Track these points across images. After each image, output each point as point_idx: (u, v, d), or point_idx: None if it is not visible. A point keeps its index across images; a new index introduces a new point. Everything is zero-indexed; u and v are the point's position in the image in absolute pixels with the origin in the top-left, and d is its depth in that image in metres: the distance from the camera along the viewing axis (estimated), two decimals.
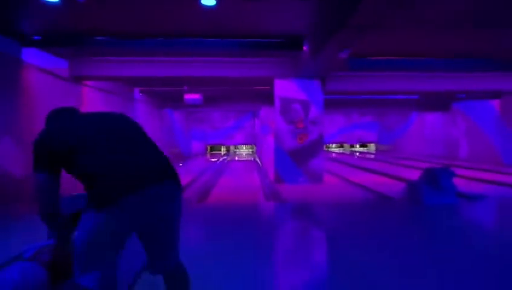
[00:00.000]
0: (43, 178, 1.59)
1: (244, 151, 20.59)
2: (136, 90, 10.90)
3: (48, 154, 1.60)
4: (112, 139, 1.61)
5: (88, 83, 8.03)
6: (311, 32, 5.98)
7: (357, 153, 20.46)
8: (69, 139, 1.59)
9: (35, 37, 5.93)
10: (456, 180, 5.86)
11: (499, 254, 3.38)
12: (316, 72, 7.55)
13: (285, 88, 8.11)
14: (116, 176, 1.49)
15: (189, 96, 11.52)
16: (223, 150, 20.78)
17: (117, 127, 1.69)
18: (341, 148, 22.18)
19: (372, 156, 17.87)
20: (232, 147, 20.85)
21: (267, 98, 10.68)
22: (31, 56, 6.08)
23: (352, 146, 22.44)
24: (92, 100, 8.20)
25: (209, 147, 20.69)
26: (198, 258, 3.09)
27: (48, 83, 6.62)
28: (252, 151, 20.05)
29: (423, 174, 5.97)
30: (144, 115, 11.40)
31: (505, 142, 12.07)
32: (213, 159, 16.43)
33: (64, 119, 1.73)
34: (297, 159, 8.07)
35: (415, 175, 6.68)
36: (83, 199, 2.27)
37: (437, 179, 5.68)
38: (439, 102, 14.33)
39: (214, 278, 2.78)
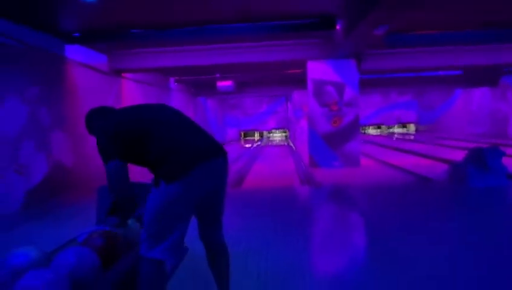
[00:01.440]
0: (116, 165, 1.71)
1: (277, 136, 20.54)
2: (171, 80, 11.17)
3: (121, 141, 1.73)
4: (173, 122, 1.81)
5: (126, 75, 8.35)
6: (343, 11, 5.73)
7: (396, 135, 19.67)
8: (139, 125, 1.76)
9: (76, 34, 6.22)
10: (506, 161, 5.46)
11: None
12: (350, 51, 7.27)
13: (318, 70, 7.91)
14: (185, 151, 1.68)
15: (221, 84, 11.61)
16: (257, 135, 20.86)
17: (171, 113, 1.89)
18: (378, 130, 21.40)
19: (412, 137, 17.10)
20: (265, 133, 20.87)
21: (300, 81, 10.49)
22: (74, 52, 6.41)
23: (390, 127, 21.58)
24: (130, 91, 8.53)
25: (242, 133, 20.86)
26: (237, 240, 3.18)
27: (90, 77, 6.97)
28: (286, 136, 19.95)
29: (468, 154, 5.62)
30: (179, 103, 11.69)
31: None
32: (247, 145, 16.56)
33: (118, 112, 1.90)
34: (331, 142, 7.92)
35: (459, 156, 6.31)
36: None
37: (484, 159, 5.33)
38: (486, 76, 13.28)
39: (251, 258, 2.84)
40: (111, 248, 1.85)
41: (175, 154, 1.67)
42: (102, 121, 1.86)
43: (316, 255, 3.16)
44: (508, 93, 13.56)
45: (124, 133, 1.74)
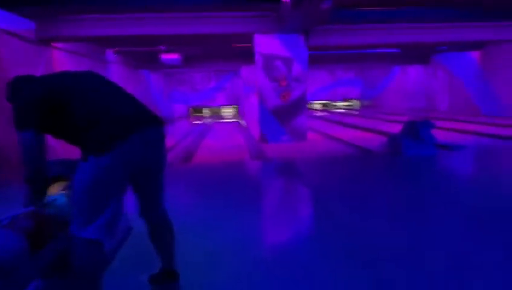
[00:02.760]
0: (31, 135, 1.54)
1: (227, 112, 20.37)
2: (110, 51, 10.34)
3: (40, 107, 1.55)
4: (100, 90, 1.65)
5: (57, 45, 7.53)
6: None
7: (341, 110, 20.58)
8: (62, 91, 1.59)
9: None
10: (436, 132, 5.99)
11: (477, 201, 3.53)
12: (299, 26, 7.28)
13: (266, 44, 7.84)
14: (115, 121, 1.54)
15: (166, 57, 11.05)
16: (206, 111, 20.50)
17: (99, 81, 1.74)
18: (325, 107, 22.20)
19: (356, 113, 18.03)
20: (214, 109, 20.57)
21: (249, 56, 10.36)
22: None
23: (335, 104, 22.48)
24: (61, 63, 7.74)
25: (191, 110, 20.35)
26: (185, 214, 3.12)
27: (15, 46, 6.16)
28: (235, 112, 19.87)
29: (404, 126, 6.07)
30: (119, 77, 10.91)
31: (484, 93, 12.31)
32: (196, 122, 16.23)
33: (40, 79, 1.71)
34: (281, 117, 8.02)
35: (396, 129, 6.78)
36: (57, 165, 2.21)
37: (417, 131, 5.80)
38: (419, 55, 14.27)
39: (200, 233, 2.81)
40: (39, 229, 1.68)
41: (103, 125, 1.53)
42: (26, 87, 1.65)
43: (266, 228, 3.21)
44: (438, 72, 14.76)
45: (46, 102, 1.56)
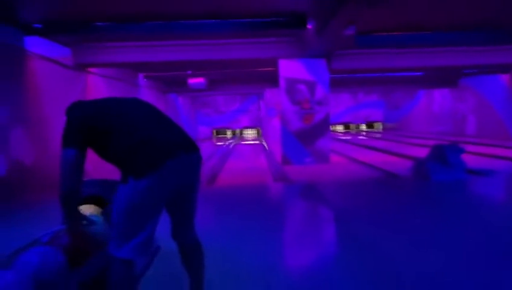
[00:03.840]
0: (73, 153, 1.63)
1: (250, 134, 20.58)
2: (141, 75, 10.86)
3: (87, 129, 1.66)
4: (142, 116, 1.76)
5: (92, 70, 8.02)
6: (315, 9, 5.85)
7: (364, 133, 20.33)
8: (109, 115, 1.71)
9: (36, 25, 5.89)
10: (465, 157, 5.82)
11: (509, 229, 3.38)
12: (321, 51, 7.42)
13: (289, 68, 8.01)
14: (155, 146, 1.63)
15: (193, 81, 11.47)
16: (229, 133, 20.80)
17: (142, 106, 1.85)
18: (347, 129, 22.02)
19: (379, 135, 17.76)
20: (237, 131, 20.86)
21: (272, 79, 10.58)
22: (34, 45, 6.06)
23: (358, 126, 22.27)
24: (96, 87, 8.21)
25: (215, 131, 20.71)
26: (210, 237, 3.16)
27: (52, 72, 6.62)
28: (258, 135, 20.04)
29: (431, 150, 5.94)
30: (149, 100, 11.34)
31: None
32: (219, 143, 16.48)
33: (88, 104, 1.82)
34: (303, 140, 8.06)
35: (422, 153, 6.64)
36: (91, 185, 2.32)
37: (445, 155, 5.66)
38: (446, 78, 14.05)
39: (225, 256, 2.82)
40: (77, 246, 1.77)
41: (144, 150, 1.62)
42: (78, 108, 1.78)
43: (290, 250, 3.19)
44: (466, 95, 14.43)
45: (90, 128, 1.68)
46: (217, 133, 20.68)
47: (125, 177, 1.61)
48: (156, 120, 1.78)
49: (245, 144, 15.85)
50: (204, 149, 13.89)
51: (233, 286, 2.33)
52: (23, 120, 5.72)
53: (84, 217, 1.91)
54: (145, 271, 2.41)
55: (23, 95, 5.82)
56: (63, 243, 1.74)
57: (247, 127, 20.84)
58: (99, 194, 2.29)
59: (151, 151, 1.62)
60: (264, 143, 14.62)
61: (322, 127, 8.10)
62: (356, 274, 2.44)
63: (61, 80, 6.82)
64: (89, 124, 1.67)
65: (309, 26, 6.31)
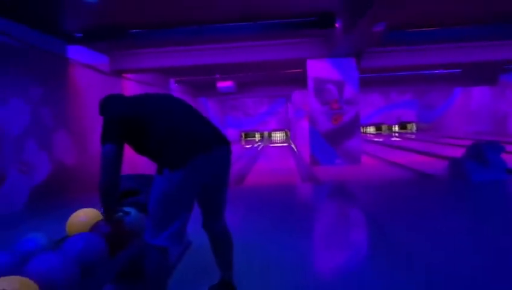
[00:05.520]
0: (112, 148, 1.73)
1: (278, 136, 20.58)
2: (172, 80, 11.22)
3: (124, 125, 1.76)
4: (176, 111, 1.84)
5: (127, 75, 8.41)
6: (343, 8, 5.79)
7: (396, 134, 19.69)
8: (144, 111, 1.80)
9: (77, 35, 6.28)
10: (506, 157, 5.50)
11: None
12: (350, 49, 7.32)
13: (318, 68, 7.96)
14: (188, 139, 1.71)
15: (222, 84, 11.67)
16: (258, 136, 20.91)
17: (176, 102, 1.93)
18: (379, 131, 21.41)
19: (413, 136, 17.13)
20: (266, 133, 20.92)
21: (300, 81, 10.54)
22: (75, 53, 6.47)
23: (390, 128, 21.59)
24: (132, 92, 8.59)
25: (243, 134, 20.90)
26: (238, 234, 3.17)
27: (92, 78, 7.03)
28: (286, 137, 19.99)
29: (468, 149, 5.66)
30: None
31: None
32: (248, 146, 16.61)
33: (125, 99, 1.92)
34: (332, 140, 7.95)
35: (459, 153, 6.34)
36: (128, 180, 2.45)
37: (484, 154, 5.37)
38: (485, 74, 13.31)
39: (253, 254, 2.82)
40: (117, 235, 1.89)
41: (178, 143, 1.70)
42: (113, 105, 1.89)
43: (319, 251, 3.15)
44: (507, 92, 13.59)
45: (128, 122, 1.77)
46: (246, 136, 20.85)
47: (161, 169, 1.69)
48: (189, 114, 1.86)
49: (273, 146, 15.86)
50: (233, 152, 13.99)
51: (261, 282, 2.34)
52: (65, 123, 6.11)
53: (120, 208, 2.03)
54: (177, 263, 2.50)
55: (65, 99, 6.22)
56: (103, 231, 1.86)
57: (275, 130, 20.85)
58: (137, 187, 2.42)
59: (185, 145, 1.70)
60: (293, 145, 14.56)
61: (352, 127, 7.96)
62: (388, 277, 2.36)
63: (99, 85, 7.22)
64: (125, 120, 1.77)
65: (337, 25, 6.26)
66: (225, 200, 1.97)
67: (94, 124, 6.65)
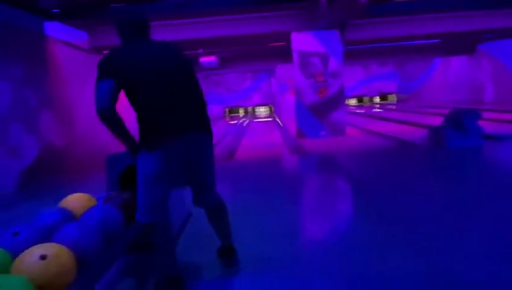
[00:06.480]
0: (106, 84, 1.68)
1: (262, 111, 20.61)
2: None
3: (111, 71, 1.73)
4: (163, 86, 1.79)
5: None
6: None
7: (378, 106, 20.09)
8: (129, 71, 1.74)
9: (55, 10, 6.02)
10: (482, 123, 5.77)
11: None
12: (334, 22, 7.33)
13: (302, 41, 7.96)
14: (163, 121, 1.77)
15: (204, 59, 11.49)
16: (242, 112, 20.87)
17: (169, 67, 1.83)
18: (360, 103, 21.74)
19: (394, 107, 17.53)
20: (250, 109, 20.89)
21: (283, 55, 10.51)
22: (54, 30, 6.22)
23: (371, 99, 21.95)
24: None
25: (227, 110, 20.81)
26: (231, 206, 3.29)
27: (72, 56, 6.80)
28: (271, 112, 20.05)
29: (447, 117, 5.91)
30: None
31: None
32: (233, 122, 16.60)
33: (123, 54, 1.82)
34: (318, 113, 8.10)
35: (438, 121, 6.60)
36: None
37: (461, 121, 5.63)
38: (463, 44, 13.61)
39: (243, 226, 2.89)
40: (129, 205, 1.98)
41: (154, 123, 1.76)
42: (123, 40, 1.91)
43: (309, 217, 3.29)
44: (484, 62, 14.00)
45: (113, 68, 1.75)
46: (230, 112, 20.77)
47: (140, 146, 1.79)
48: (173, 94, 1.80)
49: (258, 121, 15.92)
50: (218, 128, 14.02)
51: (259, 245, 2.48)
52: (50, 103, 5.96)
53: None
54: (180, 233, 2.63)
55: (47, 78, 6.03)
56: (117, 202, 1.95)
57: (259, 105, 20.84)
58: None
59: (161, 127, 1.76)
60: (278, 119, 14.67)
61: (337, 99, 8.11)
62: (373, 239, 2.51)
63: (80, 63, 7.00)
64: (112, 70, 1.74)
65: None
66: (208, 178, 2.00)
67: (77, 103, 6.53)
